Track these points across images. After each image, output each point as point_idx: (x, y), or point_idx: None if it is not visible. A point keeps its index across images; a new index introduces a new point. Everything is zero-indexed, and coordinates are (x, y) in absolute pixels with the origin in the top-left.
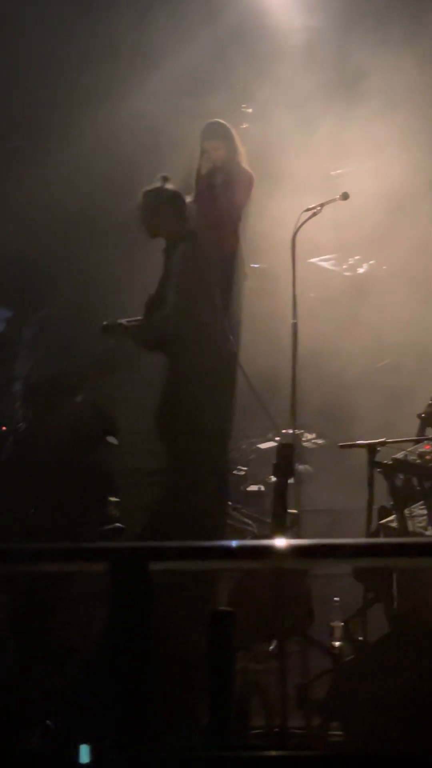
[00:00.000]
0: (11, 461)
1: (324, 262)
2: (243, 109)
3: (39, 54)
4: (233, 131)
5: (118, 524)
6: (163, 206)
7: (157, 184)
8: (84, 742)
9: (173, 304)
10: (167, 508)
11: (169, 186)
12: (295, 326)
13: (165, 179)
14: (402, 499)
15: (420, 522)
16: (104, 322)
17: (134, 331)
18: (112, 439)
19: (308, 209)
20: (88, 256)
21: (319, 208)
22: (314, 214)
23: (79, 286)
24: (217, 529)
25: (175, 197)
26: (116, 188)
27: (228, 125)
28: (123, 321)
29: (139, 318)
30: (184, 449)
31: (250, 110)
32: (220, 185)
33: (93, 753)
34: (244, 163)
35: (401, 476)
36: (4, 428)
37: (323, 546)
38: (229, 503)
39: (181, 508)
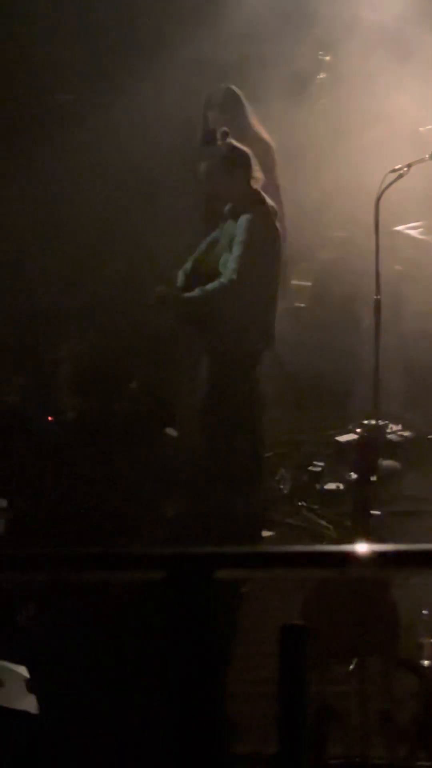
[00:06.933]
0: (57, 455)
1: (412, 230)
2: (320, 57)
3: None
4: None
5: (175, 527)
6: (230, 167)
7: (218, 141)
8: None
9: (237, 273)
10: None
11: (233, 142)
12: (378, 303)
13: (225, 134)
14: None
15: None
16: (158, 288)
17: (188, 302)
18: (171, 431)
19: (394, 170)
20: (144, 225)
21: (406, 168)
22: (400, 176)
23: (134, 258)
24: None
25: (245, 157)
26: (173, 146)
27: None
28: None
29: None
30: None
31: (327, 58)
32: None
33: None
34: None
35: None
36: (50, 418)
37: (411, 552)
38: (304, 503)
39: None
